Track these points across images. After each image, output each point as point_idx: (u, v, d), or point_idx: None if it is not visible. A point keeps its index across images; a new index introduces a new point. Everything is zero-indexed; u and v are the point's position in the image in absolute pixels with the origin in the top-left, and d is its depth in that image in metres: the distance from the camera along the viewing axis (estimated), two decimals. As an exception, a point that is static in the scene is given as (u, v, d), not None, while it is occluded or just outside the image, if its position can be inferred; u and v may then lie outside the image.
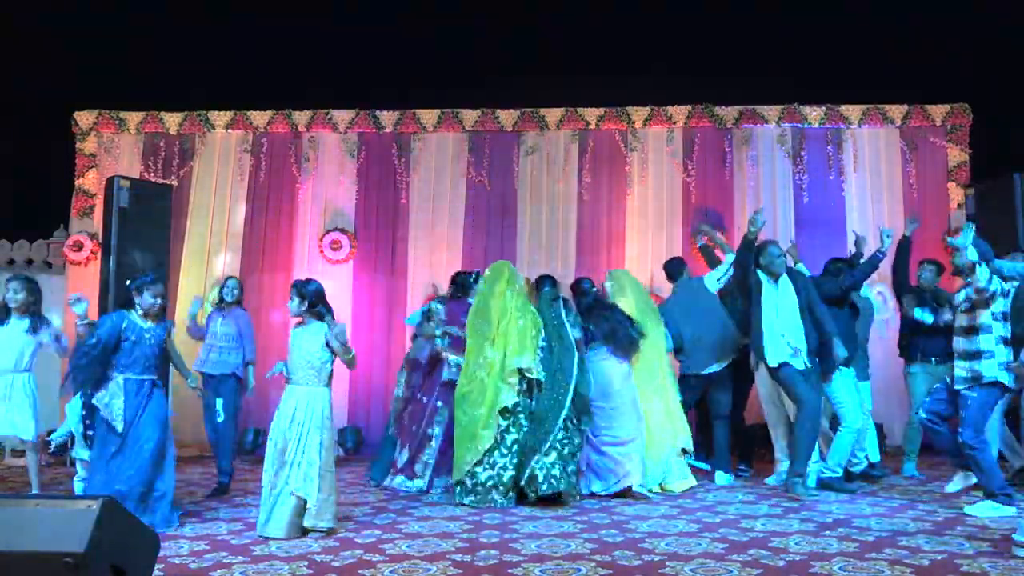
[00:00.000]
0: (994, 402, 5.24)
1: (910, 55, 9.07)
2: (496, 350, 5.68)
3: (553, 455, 5.48)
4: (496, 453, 5.51)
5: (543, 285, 6.37)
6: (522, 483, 5.48)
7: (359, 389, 8.91)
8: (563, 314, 5.92)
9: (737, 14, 9.66)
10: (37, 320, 5.68)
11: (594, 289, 6.45)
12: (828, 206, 8.93)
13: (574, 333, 5.86)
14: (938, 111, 9.02)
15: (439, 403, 6.23)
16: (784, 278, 5.92)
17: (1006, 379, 5.09)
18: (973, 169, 8.88)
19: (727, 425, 6.68)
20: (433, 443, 6.16)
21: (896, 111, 9.05)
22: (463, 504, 5.46)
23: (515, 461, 5.52)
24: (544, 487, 5.41)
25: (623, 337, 6.08)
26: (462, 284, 6.58)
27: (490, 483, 5.49)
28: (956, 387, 5.20)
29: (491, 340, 5.72)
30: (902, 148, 9.05)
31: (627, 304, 6.31)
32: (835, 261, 6.61)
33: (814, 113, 9.09)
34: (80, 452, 5.51)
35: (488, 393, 5.58)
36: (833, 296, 6.13)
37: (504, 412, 5.53)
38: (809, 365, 5.80)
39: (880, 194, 8.99)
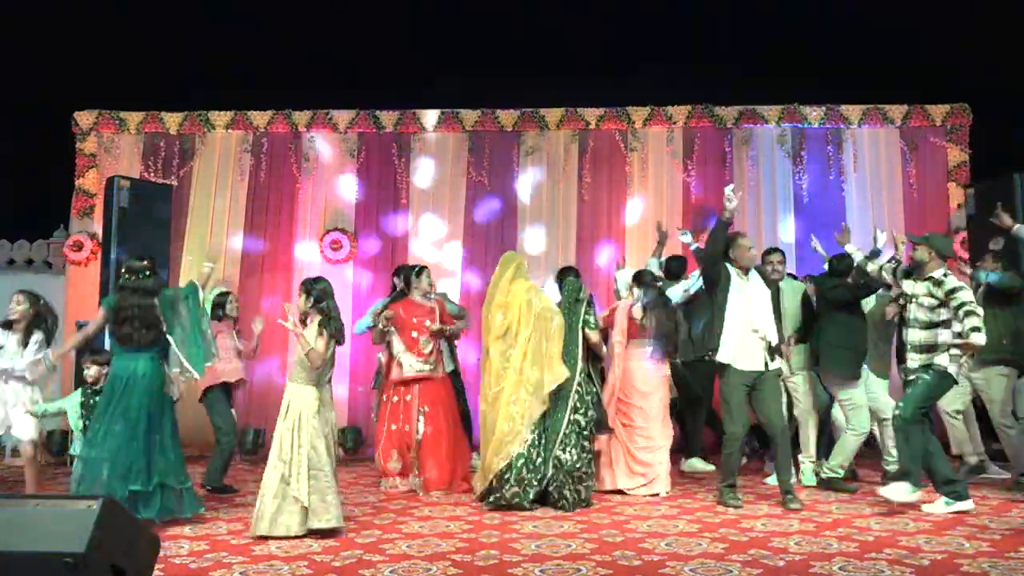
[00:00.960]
0: (941, 393, 5.28)
1: (910, 55, 9.07)
2: (516, 357, 5.57)
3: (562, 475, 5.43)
4: (522, 467, 5.45)
5: (566, 275, 6.12)
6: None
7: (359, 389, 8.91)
8: (582, 317, 5.78)
9: (737, 14, 9.66)
10: (28, 336, 5.71)
11: (659, 284, 6.32)
12: (828, 206, 8.93)
13: (592, 336, 5.78)
14: (938, 111, 9.02)
15: (394, 398, 6.26)
16: (753, 271, 5.66)
17: (954, 372, 5.13)
18: (973, 169, 8.88)
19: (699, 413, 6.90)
20: (403, 441, 6.20)
21: (896, 111, 9.05)
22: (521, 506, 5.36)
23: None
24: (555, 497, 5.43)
25: (674, 341, 6.18)
26: (405, 279, 6.56)
27: (516, 500, 5.42)
28: (909, 378, 5.21)
29: (511, 341, 5.62)
30: (902, 148, 9.05)
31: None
32: (842, 259, 6.38)
33: (814, 113, 9.09)
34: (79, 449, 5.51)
35: (504, 403, 5.54)
36: (843, 301, 6.01)
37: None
38: (772, 365, 5.52)
39: (880, 194, 8.99)
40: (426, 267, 6.68)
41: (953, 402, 6.20)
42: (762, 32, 9.56)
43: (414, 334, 6.27)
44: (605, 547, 4.24)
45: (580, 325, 5.73)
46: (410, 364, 6.23)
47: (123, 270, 5.23)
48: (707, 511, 5.23)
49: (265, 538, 4.46)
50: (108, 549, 2.72)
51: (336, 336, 4.76)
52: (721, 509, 5.28)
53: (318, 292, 4.80)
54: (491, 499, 5.39)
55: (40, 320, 5.76)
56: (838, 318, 5.97)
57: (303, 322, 4.80)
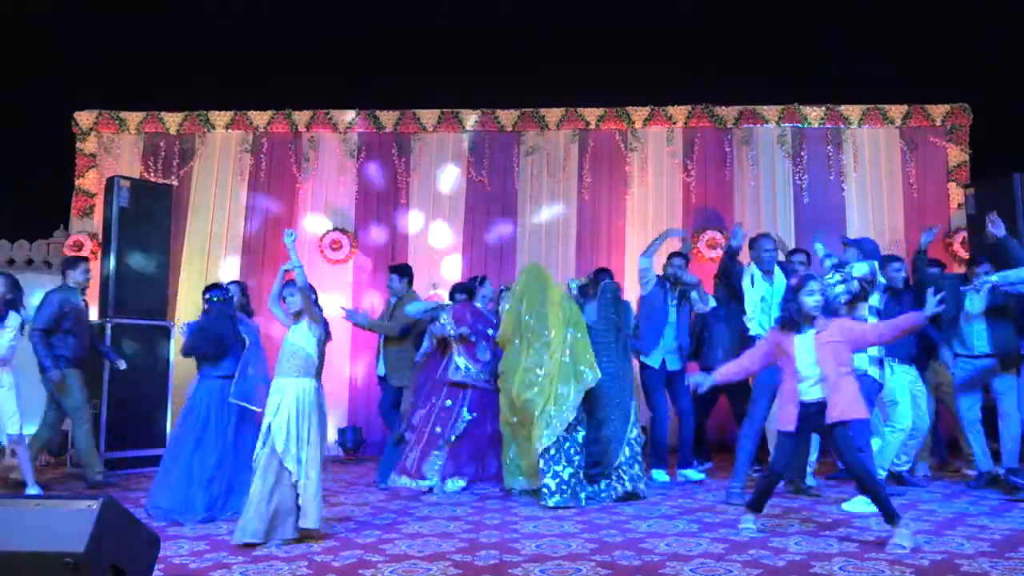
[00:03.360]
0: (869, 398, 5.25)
1: (910, 55, 9.07)
2: (552, 358, 5.62)
3: (626, 452, 5.63)
4: (571, 450, 5.52)
5: (602, 278, 6.23)
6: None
7: (359, 389, 8.91)
8: (620, 315, 5.91)
9: (738, 15, 9.65)
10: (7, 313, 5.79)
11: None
12: (828, 206, 8.93)
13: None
14: (938, 111, 9.03)
15: (448, 402, 6.25)
16: (777, 270, 5.91)
17: (875, 374, 5.16)
18: (973, 169, 8.89)
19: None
20: (442, 443, 6.16)
21: (896, 111, 9.06)
22: (550, 507, 5.37)
23: (585, 455, 5.59)
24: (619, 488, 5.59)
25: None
26: (469, 289, 6.63)
27: (573, 481, 5.48)
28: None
29: (547, 345, 5.68)
30: (902, 148, 9.05)
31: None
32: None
33: (814, 113, 9.09)
34: None
35: (547, 401, 5.57)
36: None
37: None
38: None
39: (880, 194, 9.00)
40: (487, 277, 6.82)
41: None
42: (762, 32, 9.56)
43: (472, 338, 6.32)
44: (605, 547, 4.24)
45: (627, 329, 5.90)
46: (467, 367, 6.25)
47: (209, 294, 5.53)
48: (707, 511, 5.23)
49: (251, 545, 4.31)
50: (108, 549, 2.72)
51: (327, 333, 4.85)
52: (721, 509, 5.28)
53: (314, 292, 4.85)
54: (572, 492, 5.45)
55: (16, 302, 5.85)
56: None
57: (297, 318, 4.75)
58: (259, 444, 4.48)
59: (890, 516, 4.12)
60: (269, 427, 4.45)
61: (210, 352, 5.29)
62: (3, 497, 4.68)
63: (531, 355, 5.69)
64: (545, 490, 5.40)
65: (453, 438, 6.14)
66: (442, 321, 6.30)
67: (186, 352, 5.36)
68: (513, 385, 5.69)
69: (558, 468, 5.41)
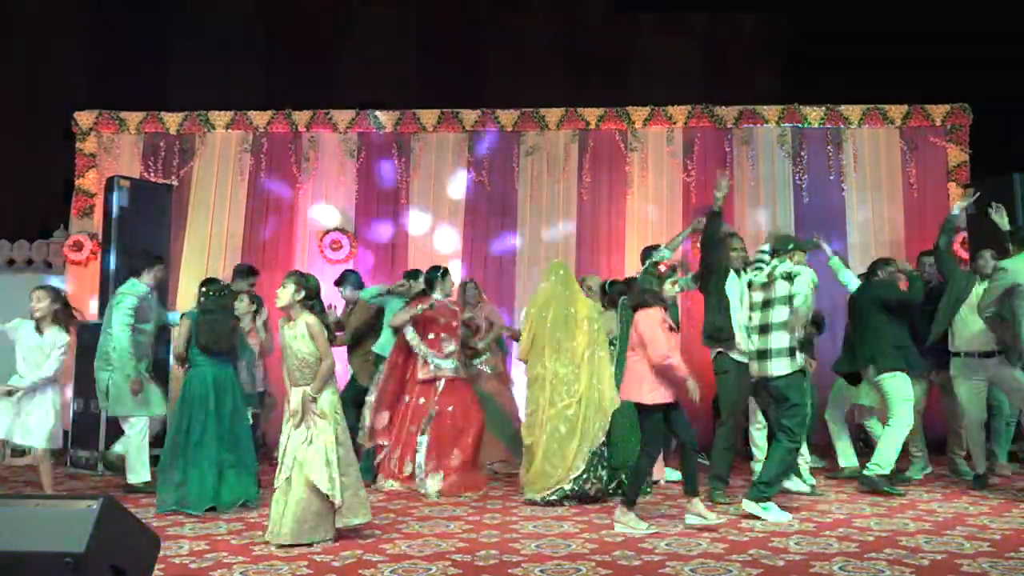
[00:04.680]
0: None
1: (910, 55, 9.06)
2: (584, 372, 5.66)
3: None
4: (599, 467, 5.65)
5: (616, 291, 6.30)
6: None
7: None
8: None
9: (737, 15, 9.65)
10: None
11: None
12: (828, 206, 8.93)
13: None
14: (938, 111, 9.03)
15: (421, 400, 6.24)
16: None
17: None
18: (973, 169, 8.88)
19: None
20: (421, 444, 6.16)
21: (896, 111, 9.05)
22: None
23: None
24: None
25: None
26: (428, 280, 6.49)
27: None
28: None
29: (567, 352, 5.70)
30: (902, 148, 9.05)
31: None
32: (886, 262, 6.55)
33: (814, 113, 9.08)
34: None
35: (580, 421, 5.61)
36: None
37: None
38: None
39: (880, 194, 8.99)
40: (449, 269, 6.70)
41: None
42: (763, 32, 9.56)
43: (431, 335, 6.30)
44: (605, 547, 4.24)
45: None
46: (436, 364, 6.25)
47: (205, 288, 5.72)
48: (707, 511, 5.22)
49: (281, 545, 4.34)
50: (108, 549, 2.72)
51: (330, 335, 4.79)
52: (721, 509, 5.27)
53: (312, 288, 4.69)
54: (568, 492, 5.52)
55: (61, 317, 5.65)
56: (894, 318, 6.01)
57: (288, 317, 4.65)
58: (280, 452, 4.50)
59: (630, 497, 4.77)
60: (292, 436, 4.47)
61: (227, 345, 5.51)
62: (3, 497, 4.69)
63: (559, 369, 5.69)
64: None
65: (428, 430, 6.15)
66: (408, 338, 6.28)
67: (215, 351, 5.50)
68: (542, 396, 5.71)
69: (586, 485, 5.57)
